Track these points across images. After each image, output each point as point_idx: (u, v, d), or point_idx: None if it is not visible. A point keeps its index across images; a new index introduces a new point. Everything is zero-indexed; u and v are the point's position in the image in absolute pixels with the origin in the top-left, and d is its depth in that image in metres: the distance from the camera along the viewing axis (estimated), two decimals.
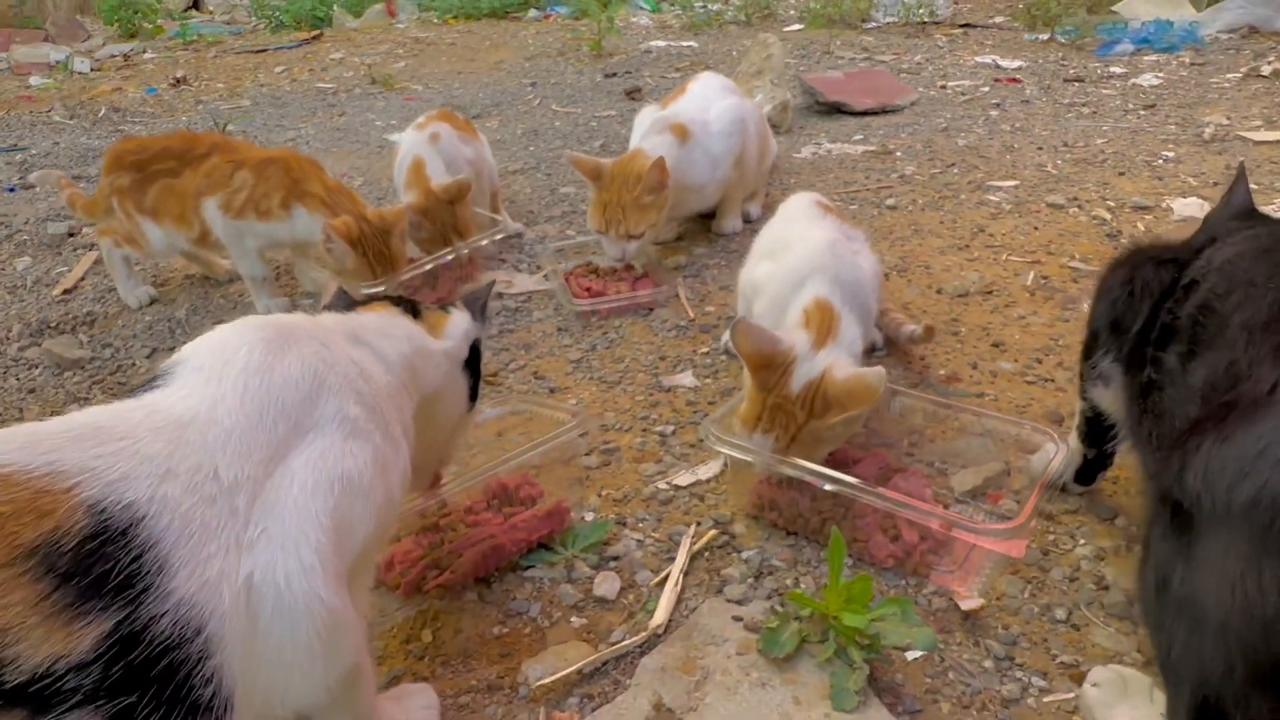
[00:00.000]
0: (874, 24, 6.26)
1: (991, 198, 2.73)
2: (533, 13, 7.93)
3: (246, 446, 0.78)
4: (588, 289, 2.15)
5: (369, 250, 1.97)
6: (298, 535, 0.77)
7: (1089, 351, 1.25)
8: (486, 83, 5.12)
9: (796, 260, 1.49)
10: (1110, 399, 1.24)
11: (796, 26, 6.35)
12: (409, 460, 0.98)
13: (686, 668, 1.11)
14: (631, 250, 2.19)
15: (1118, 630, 1.16)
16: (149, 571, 0.66)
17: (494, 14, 8.04)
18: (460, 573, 1.26)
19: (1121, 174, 2.87)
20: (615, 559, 1.34)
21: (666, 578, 1.28)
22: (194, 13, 10.36)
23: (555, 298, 2.21)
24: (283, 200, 2.06)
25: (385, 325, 1.06)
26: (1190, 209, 2.51)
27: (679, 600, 1.24)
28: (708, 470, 1.53)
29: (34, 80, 6.05)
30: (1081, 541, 1.32)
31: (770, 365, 1.29)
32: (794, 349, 1.31)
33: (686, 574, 1.29)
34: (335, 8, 8.77)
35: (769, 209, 2.31)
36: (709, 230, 2.57)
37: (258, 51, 6.76)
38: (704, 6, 7.20)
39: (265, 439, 0.80)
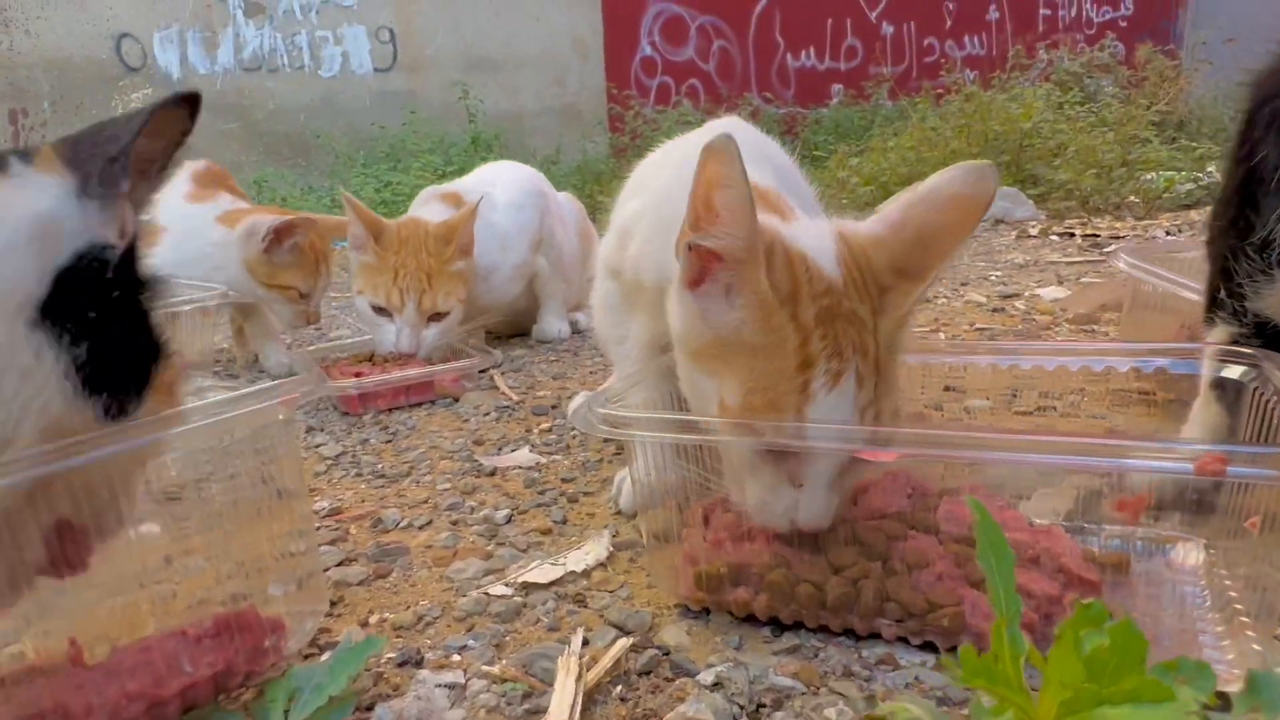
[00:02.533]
0: None
1: None
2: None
3: None
4: (356, 374, 1.40)
5: None
6: None
7: (1244, 227, 0.72)
8: None
9: (691, 150, 0.89)
10: None
11: None
12: None
13: None
14: (431, 339, 1.50)
15: None
16: None
17: None
18: None
19: (964, 284, 2.68)
20: None
21: None
22: None
23: (308, 402, 1.44)
24: None
25: None
26: (1056, 293, 2.28)
27: None
28: (583, 557, 0.79)
29: None
30: None
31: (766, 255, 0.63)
32: (763, 225, 0.67)
33: None
34: None
35: None
36: (528, 341, 1.95)
37: None
38: None
39: None
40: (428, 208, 1.73)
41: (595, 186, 6.63)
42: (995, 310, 2.07)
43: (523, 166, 2.02)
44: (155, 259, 1.66)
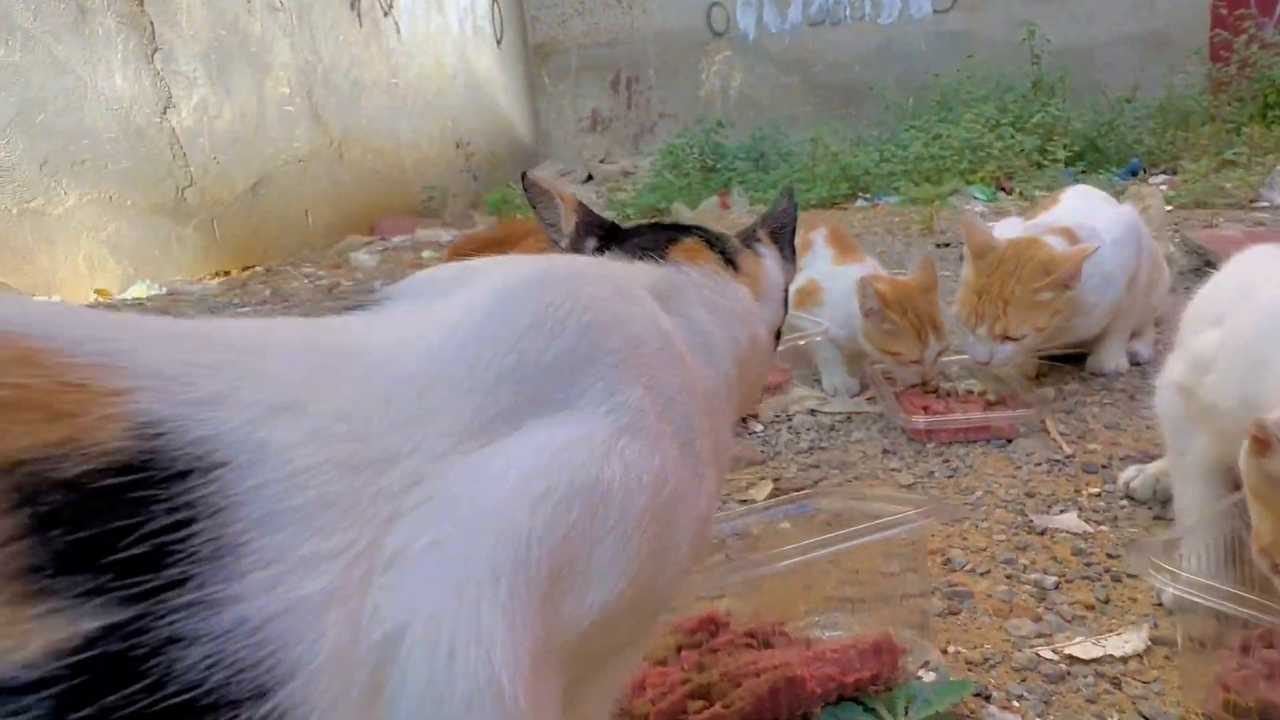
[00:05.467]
0: (1265, 204, 5.30)
1: None
2: (860, 202, 7.97)
3: (435, 404, 0.47)
4: (924, 408, 1.72)
5: None
6: (484, 568, 0.43)
7: None
8: None
9: None
10: None
11: (1168, 208, 5.58)
12: (710, 503, 0.62)
13: None
14: (1003, 356, 1.73)
15: None
16: (199, 554, 0.35)
17: (821, 204, 8.21)
18: (737, 710, 0.85)
19: None
20: None
21: None
22: None
23: (880, 420, 1.81)
24: None
25: (715, 288, 0.70)
26: None
27: None
28: (1122, 644, 0.99)
29: (425, 254, 7.28)
30: None
31: None
32: None
33: None
34: (675, 201, 9.64)
35: (1162, 350, 1.78)
36: (1081, 372, 2.03)
37: None
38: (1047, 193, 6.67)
39: (472, 403, 0.48)
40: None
41: (1179, 131, 5.71)
42: None
43: (1113, 203, 2.05)
44: (823, 315, 2.03)
